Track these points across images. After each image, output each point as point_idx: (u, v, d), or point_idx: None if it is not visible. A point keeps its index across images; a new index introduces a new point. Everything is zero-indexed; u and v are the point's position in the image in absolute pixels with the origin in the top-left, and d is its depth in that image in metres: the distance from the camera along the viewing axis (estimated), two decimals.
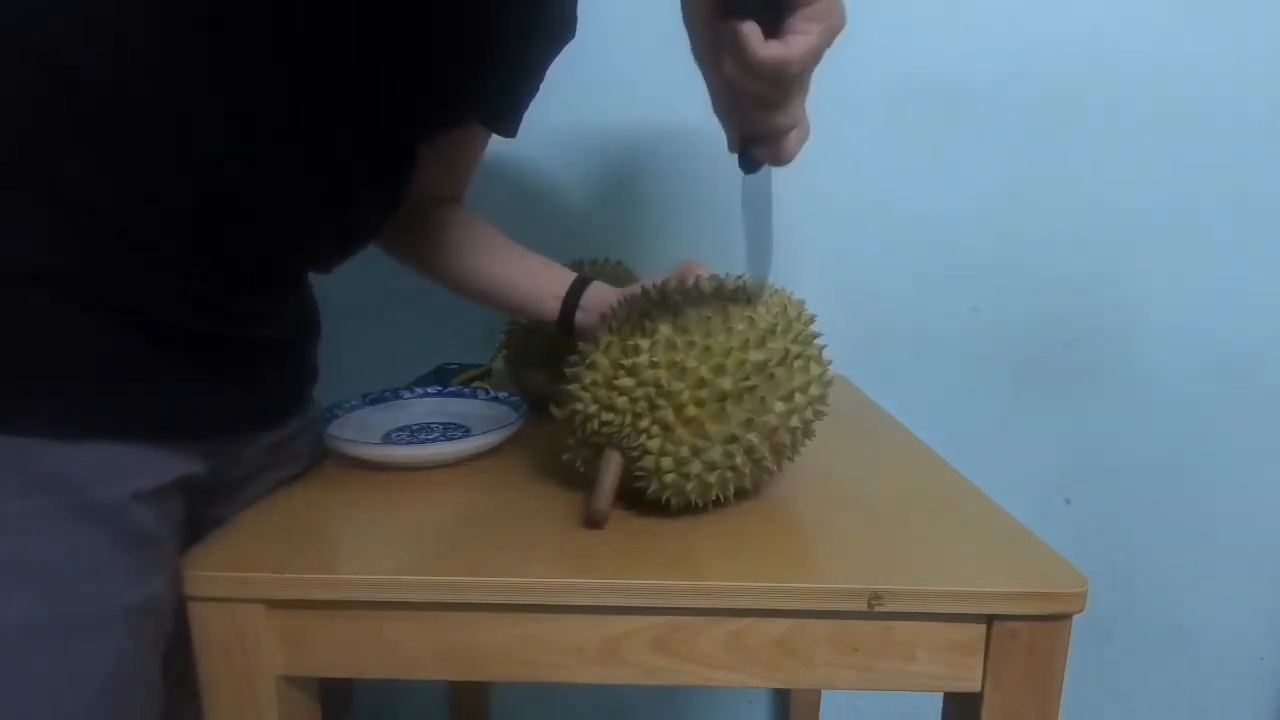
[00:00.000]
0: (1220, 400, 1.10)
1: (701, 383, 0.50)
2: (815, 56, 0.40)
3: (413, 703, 1.24)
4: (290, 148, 0.51)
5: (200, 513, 0.56)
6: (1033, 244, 1.07)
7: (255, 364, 0.57)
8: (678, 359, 0.51)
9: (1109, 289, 1.08)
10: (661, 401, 0.50)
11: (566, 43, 0.73)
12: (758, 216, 0.50)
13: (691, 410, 0.50)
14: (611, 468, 0.52)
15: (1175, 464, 1.12)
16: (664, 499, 0.52)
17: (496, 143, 0.77)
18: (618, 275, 0.88)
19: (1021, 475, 1.13)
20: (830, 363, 0.57)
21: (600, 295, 0.73)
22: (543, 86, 0.74)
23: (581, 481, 0.57)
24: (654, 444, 0.51)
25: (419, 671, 0.47)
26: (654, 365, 0.51)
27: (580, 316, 0.73)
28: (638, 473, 0.52)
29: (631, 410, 0.51)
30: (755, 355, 0.51)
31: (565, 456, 0.57)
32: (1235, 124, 1.03)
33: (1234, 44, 1.01)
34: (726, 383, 0.50)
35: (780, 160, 0.46)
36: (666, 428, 0.51)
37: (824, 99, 1.07)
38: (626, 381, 0.51)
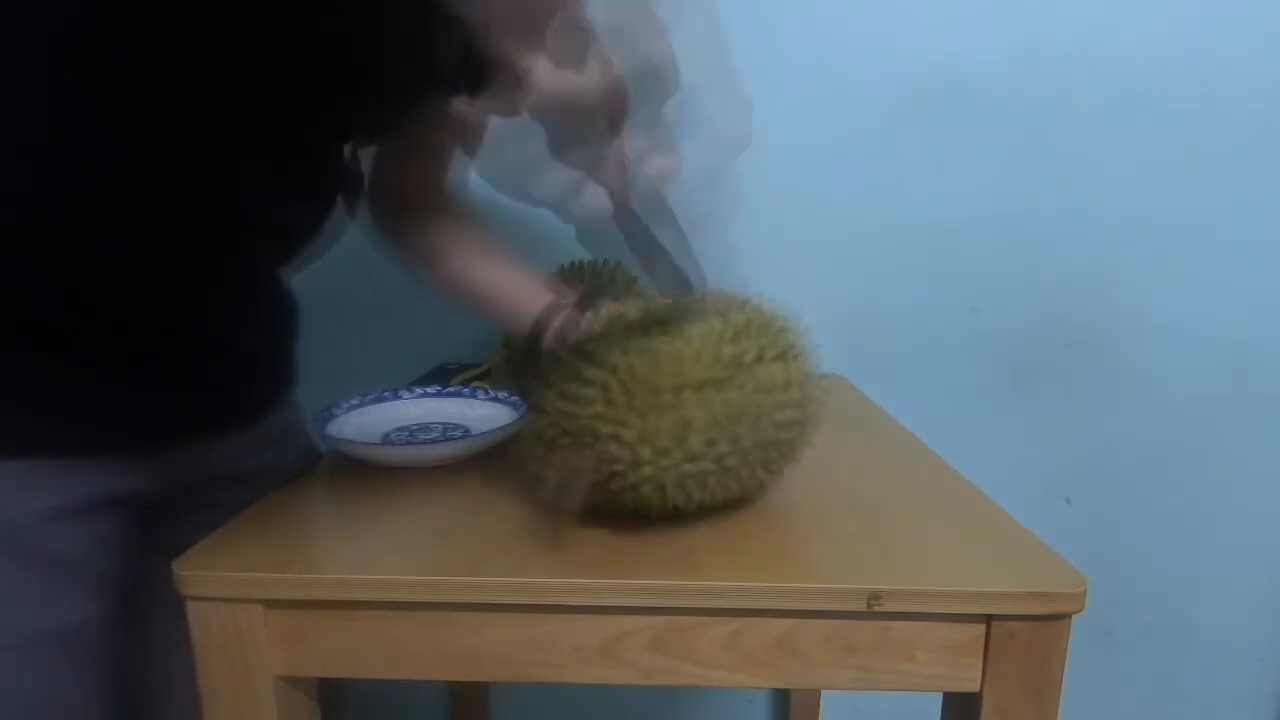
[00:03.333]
0: (1220, 400, 1.10)
1: (678, 368, 0.47)
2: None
3: (413, 703, 1.24)
4: (188, 161, 0.48)
5: (178, 522, 0.55)
6: (1032, 244, 1.07)
7: (191, 371, 0.55)
8: (652, 344, 0.48)
9: (1109, 288, 1.08)
10: (636, 388, 0.47)
11: None
12: (651, 240, 0.47)
13: (668, 398, 0.47)
14: (581, 467, 0.48)
15: (1176, 464, 1.12)
16: (640, 495, 0.49)
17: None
18: (617, 277, 0.88)
19: (1021, 475, 1.13)
20: (817, 368, 0.55)
21: None
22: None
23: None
24: (629, 434, 0.47)
25: (419, 671, 0.47)
26: (625, 353, 0.48)
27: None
28: (614, 468, 0.48)
29: (603, 398, 0.48)
30: (728, 349, 0.49)
31: (532, 468, 0.52)
32: (1236, 123, 1.03)
33: (1234, 42, 1.01)
34: (703, 371, 0.47)
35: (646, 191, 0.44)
36: (641, 415, 0.47)
37: (824, 98, 1.07)
38: (595, 373, 0.48)
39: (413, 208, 0.72)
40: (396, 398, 0.76)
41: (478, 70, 0.38)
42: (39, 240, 0.46)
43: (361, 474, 0.63)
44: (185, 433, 0.56)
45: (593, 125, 0.40)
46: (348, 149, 0.60)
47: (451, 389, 0.78)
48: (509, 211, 1.06)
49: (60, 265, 0.47)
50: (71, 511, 0.47)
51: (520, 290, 0.70)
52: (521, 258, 0.74)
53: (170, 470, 0.54)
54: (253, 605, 0.46)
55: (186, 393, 0.55)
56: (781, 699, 1.23)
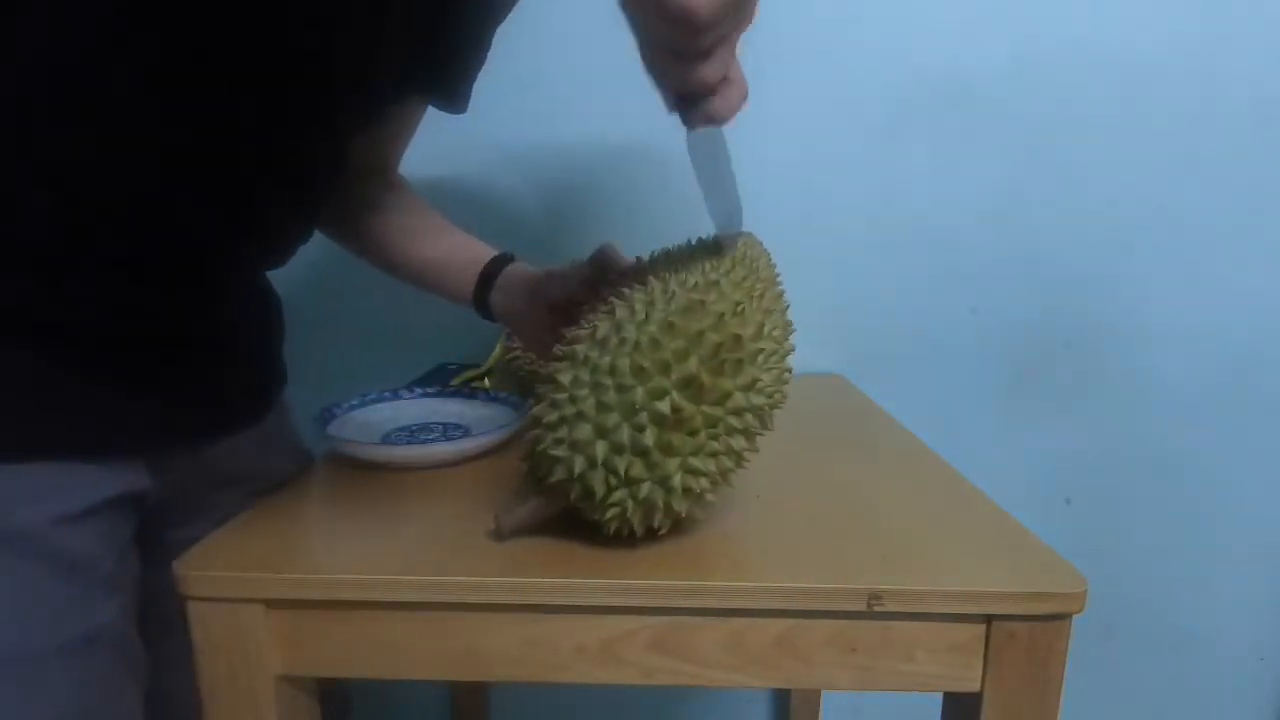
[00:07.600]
0: (1220, 400, 1.10)
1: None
2: (727, 4, 0.36)
3: (413, 703, 1.24)
4: (187, 160, 0.48)
5: (171, 527, 0.54)
6: (1032, 244, 1.07)
7: (189, 367, 0.54)
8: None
9: (1109, 289, 1.08)
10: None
11: (511, 7, 0.68)
12: (714, 171, 0.46)
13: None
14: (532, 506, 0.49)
15: (1176, 464, 1.12)
16: (572, 475, 0.46)
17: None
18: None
19: (1021, 475, 1.13)
20: (788, 309, 0.52)
21: (522, 275, 0.68)
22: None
23: None
24: (565, 376, 0.46)
25: (419, 671, 0.48)
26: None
27: (496, 298, 0.69)
28: (542, 444, 0.47)
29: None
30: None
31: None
32: (1236, 124, 1.03)
33: (1235, 42, 1.01)
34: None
35: (716, 119, 0.42)
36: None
37: (824, 98, 1.07)
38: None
39: (353, 193, 0.72)
40: (396, 398, 0.76)
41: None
42: (29, 233, 0.45)
43: (361, 474, 0.63)
44: (181, 430, 0.55)
45: (694, 42, 0.38)
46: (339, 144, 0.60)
47: (451, 389, 0.78)
48: (509, 208, 1.06)
49: (53, 259, 0.46)
50: (80, 514, 0.46)
51: (467, 254, 0.71)
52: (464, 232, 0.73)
53: (168, 471, 0.54)
54: (253, 605, 0.47)
55: (185, 390, 0.55)
56: (781, 699, 1.23)
